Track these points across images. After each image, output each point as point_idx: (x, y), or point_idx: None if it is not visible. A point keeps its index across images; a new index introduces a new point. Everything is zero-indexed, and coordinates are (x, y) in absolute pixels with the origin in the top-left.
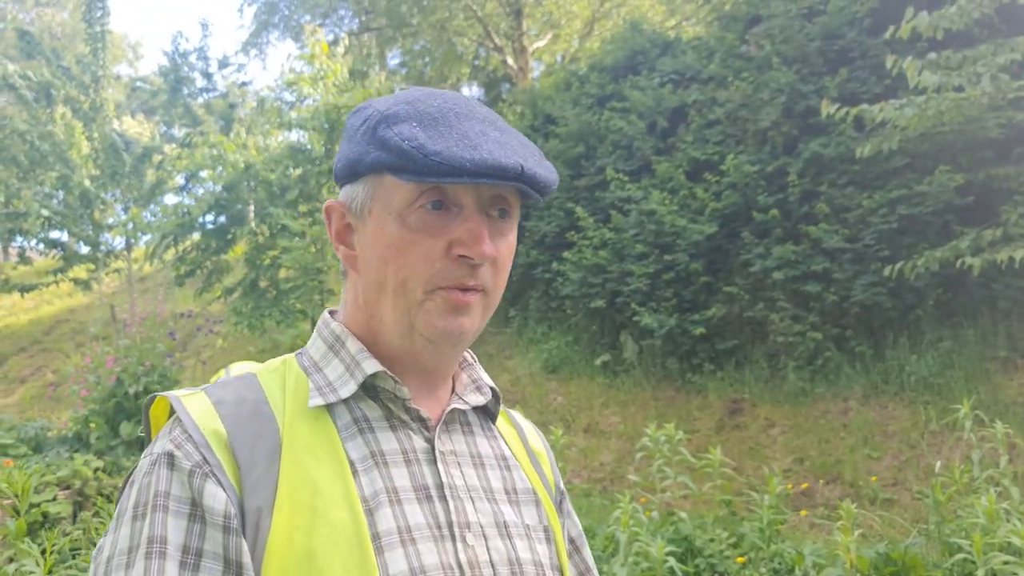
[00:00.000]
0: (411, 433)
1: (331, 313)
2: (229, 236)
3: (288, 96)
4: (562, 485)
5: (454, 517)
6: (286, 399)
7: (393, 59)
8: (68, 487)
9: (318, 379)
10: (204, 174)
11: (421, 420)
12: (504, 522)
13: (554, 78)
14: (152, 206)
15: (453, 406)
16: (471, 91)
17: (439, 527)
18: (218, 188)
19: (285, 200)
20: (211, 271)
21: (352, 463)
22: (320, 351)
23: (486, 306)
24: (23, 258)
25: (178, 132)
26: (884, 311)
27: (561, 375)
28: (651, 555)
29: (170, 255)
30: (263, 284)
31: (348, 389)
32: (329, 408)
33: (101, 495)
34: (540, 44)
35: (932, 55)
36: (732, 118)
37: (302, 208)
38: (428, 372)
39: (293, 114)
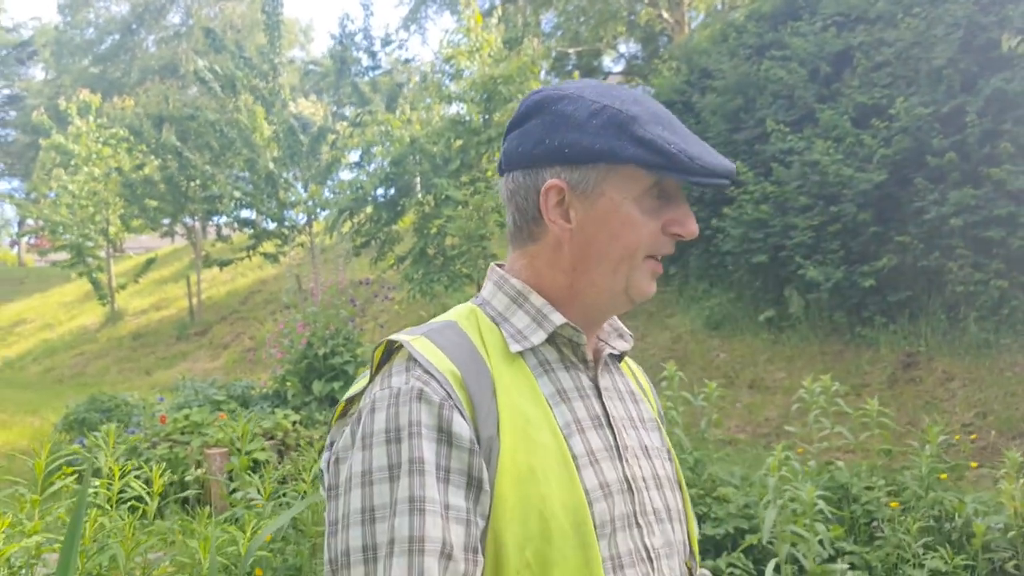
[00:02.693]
0: (579, 373)
1: (499, 267)
2: (399, 207)
3: (447, 69)
4: (663, 413)
5: (619, 441)
6: (485, 344)
7: (547, 23)
8: (272, 437)
9: (508, 328)
10: (375, 150)
11: (585, 362)
12: (646, 445)
13: (710, 30)
14: (329, 182)
15: (608, 351)
16: (628, 48)
17: (609, 449)
18: (387, 163)
19: (448, 171)
20: (384, 241)
21: (545, 398)
22: (503, 303)
23: None
24: (220, 236)
25: (347, 111)
26: None
27: (724, 332)
28: (801, 499)
29: (347, 228)
30: (431, 252)
31: (538, 337)
32: (520, 352)
33: (299, 444)
34: None
35: None
36: (902, 58)
37: (464, 178)
38: (596, 323)
39: (452, 87)
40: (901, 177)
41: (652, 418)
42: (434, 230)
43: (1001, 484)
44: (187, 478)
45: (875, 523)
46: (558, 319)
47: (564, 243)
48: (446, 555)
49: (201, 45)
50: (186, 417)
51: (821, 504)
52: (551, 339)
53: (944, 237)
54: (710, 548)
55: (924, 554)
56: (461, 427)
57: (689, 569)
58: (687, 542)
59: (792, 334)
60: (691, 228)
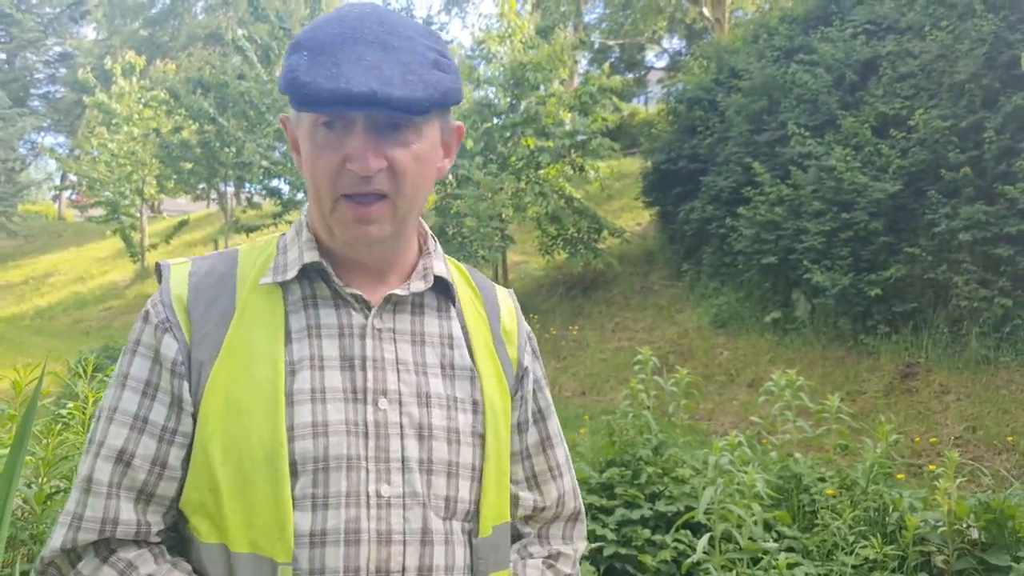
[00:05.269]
0: (352, 312)
1: None
2: None
3: (479, 52)
4: (527, 362)
5: (371, 384)
6: (253, 274)
7: (591, 13)
8: None
9: (280, 260)
10: None
11: (364, 302)
12: (426, 393)
13: (742, 31)
14: None
15: (391, 291)
16: (671, 44)
17: (354, 391)
18: None
19: (470, 152)
20: None
21: (289, 332)
22: (291, 235)
23: (396, 211)
24: (251, 203)
25: None
26: None
27: (729, 330)
28: (744, 481)
29: None
30: (450, 232)
31: (292, 273)
32: (283, 285)
33: None
34: None
35: None
36: (927, 70)
37: (477, 160)
38: (368, 264)
39: (482, 71)
40: (915, 189)
41: (466, 366)
42: (454, 210)
43: (938, 483)
44: None
45: (816, 512)
46: (310, 257)
47: None
48: (124, 462)
49: (245, 14)
50: None
51: (760, 487)
52: (325, 277)
53: (953, 251)
54: (662, 524)
55: (855, 542)
56: (169, 348)
57: (469, 533)
58: (475, 502)
59: (796, 337)
60: (362, 164)
